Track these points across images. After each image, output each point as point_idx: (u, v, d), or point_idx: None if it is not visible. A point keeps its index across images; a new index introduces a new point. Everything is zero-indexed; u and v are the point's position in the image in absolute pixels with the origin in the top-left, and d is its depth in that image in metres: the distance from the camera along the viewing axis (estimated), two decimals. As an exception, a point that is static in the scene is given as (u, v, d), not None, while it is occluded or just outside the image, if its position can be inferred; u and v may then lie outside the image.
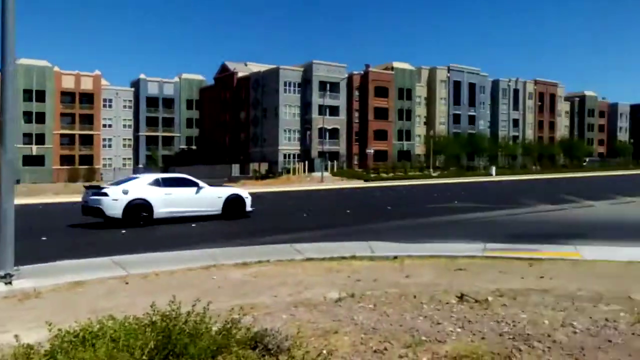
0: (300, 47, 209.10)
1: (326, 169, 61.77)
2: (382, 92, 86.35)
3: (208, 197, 17.30)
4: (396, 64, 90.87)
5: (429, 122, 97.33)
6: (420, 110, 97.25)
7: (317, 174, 59.82)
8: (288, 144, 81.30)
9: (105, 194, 15.65)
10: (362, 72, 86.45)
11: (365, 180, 57.01)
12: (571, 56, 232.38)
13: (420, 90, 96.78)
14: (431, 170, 74.45)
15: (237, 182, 55.45)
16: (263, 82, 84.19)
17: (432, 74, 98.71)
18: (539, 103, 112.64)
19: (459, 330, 5.11)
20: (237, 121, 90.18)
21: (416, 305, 6.14)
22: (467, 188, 38.88)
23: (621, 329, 5.01)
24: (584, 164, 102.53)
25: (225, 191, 18.17)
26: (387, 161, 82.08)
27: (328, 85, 80.00)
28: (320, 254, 10.12)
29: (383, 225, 16.11)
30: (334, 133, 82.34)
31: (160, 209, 16.19)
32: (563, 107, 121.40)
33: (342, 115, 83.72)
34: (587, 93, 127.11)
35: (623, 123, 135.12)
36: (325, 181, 53.60)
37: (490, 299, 6.32)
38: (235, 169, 76.09)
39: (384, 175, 64.89)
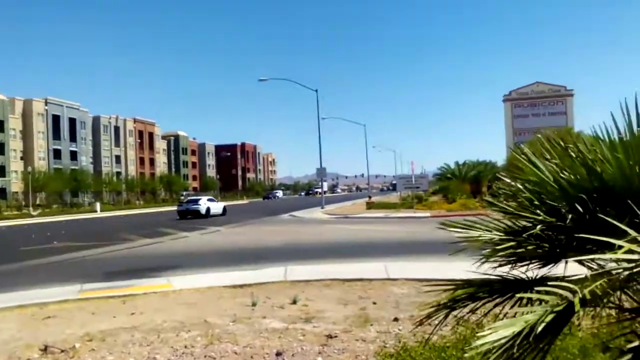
0: None
1: None
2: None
3: (219, 206, 44.43)
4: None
5: (27, 157, 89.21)
6: (16, 144, 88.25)
7: None
8: None
9: (199, 204, 41.19)
10: None
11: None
12: (166, 100, 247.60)
13: (15, 123, 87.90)
14: (31, 208, 67.66)
15: None
16: None
17: (27, 105, 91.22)
18: (139, 140, 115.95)
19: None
20: None
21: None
22: (69, 226, 36.78)
23: (197, 353, 5.53)
24: (181, 197, 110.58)
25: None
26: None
27: None
28: None
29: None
30: None
31: (212, 211, 41.40)
32: (161, 145, 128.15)
33: None
34: (181, 133, 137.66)
35: (210, 161, 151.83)
36: None
37: (78, 345, 6.12)
38: None
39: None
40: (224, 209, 44.16)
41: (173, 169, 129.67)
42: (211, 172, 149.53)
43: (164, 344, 6.00)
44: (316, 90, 48.68)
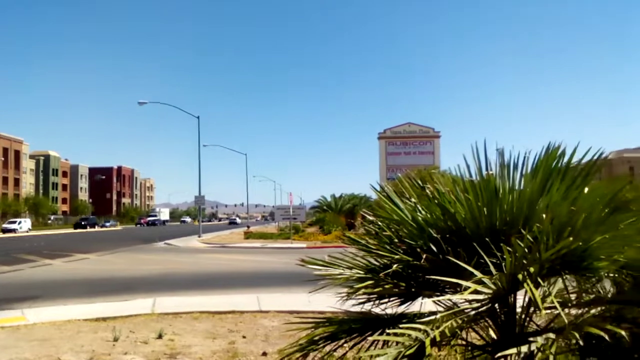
0: None
1: None
2: None
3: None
4: None
5: None
6: None
7: None
8: None
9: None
10: None
11: None
12: (35, 116, 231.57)
13: None
14: None
15: None
16: None
17: None
18: (3, 158, 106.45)
19: None
20: None
21: None
22: None
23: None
24: (49, 221, 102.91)
25: None
26: None
27: None
28: None
29: None
30: None
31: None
32: (29, 164, 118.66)
33: None
34: (52, 153, 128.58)
35: (83, 183, 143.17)
36: None
37: None
38: None
39: None
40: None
41: (41, 191, 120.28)
42: (84, 196, 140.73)
43: (4, 388, 5.38)
44: (198, 117, 47.91)
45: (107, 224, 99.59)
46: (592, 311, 2.75)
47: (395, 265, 2.67)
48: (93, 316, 9.63)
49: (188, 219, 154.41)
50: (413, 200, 2.91)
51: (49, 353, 6.91)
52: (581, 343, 2.28)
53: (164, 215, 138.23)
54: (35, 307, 10.92)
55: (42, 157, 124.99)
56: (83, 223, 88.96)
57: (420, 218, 2.74)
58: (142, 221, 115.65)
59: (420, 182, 2.96)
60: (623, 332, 2.21)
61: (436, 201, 2.73)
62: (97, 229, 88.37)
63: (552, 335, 2.23)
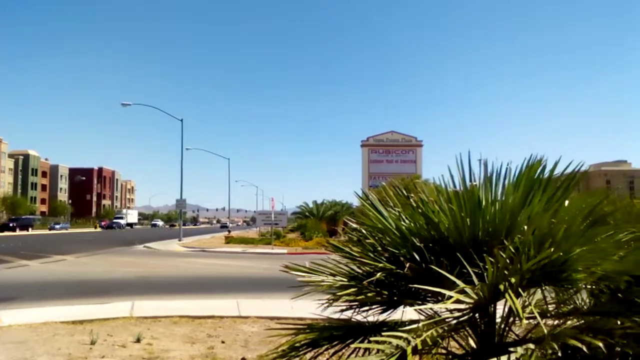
0: None
1: None
2: None
3: None
4: None
5: None
6: None
7: None
8: None
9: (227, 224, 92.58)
10: None
11: None
12: (16, 114, 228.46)
13: None
14: None
15: None
16: None
17: None
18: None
19: None
20: None
21: None
22: None
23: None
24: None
25: None
26: None
27: None
28: None
29: None
30: None
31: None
32: (7, 163, 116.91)
33: None
34: (31, 152, 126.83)
35: (63, 184, 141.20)
36: None
37: None
38: None
39: None
40: None
41: (19, 191, 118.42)
42: (63, 196, 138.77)
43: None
44: (181, 120, 47.61)
45: (57, 226, 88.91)
46: (569, 322, 2.79)
47: (378, 274, 2.69)
48: (70, 319, 9.49)
49: (160, 223, 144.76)
50: (397, 209, 2.94)
51: (24, 356, 6.80)
52: (559, 354, 2.32)
53: (132, 217, 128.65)
54: (10, 309, 10.75)
55: (22, 157, 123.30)
56: (12, 225, 72.17)
57: (404, 227, 2.77)
58: (102, 224, 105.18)
59: (404, 191, 2.99)
60: (600, 344, 2.25)
61: (420, 210, 2.76)
62: (32, 232, 73.14)
63: (531, 346, 2.26)
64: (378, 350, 2.20)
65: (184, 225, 52.65)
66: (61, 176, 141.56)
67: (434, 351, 2.41)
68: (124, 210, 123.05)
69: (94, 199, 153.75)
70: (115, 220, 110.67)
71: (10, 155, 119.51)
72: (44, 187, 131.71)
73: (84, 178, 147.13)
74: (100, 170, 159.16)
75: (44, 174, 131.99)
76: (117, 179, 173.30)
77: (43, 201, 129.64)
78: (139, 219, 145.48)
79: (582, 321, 2.73)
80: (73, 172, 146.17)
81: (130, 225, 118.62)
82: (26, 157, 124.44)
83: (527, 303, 2.62)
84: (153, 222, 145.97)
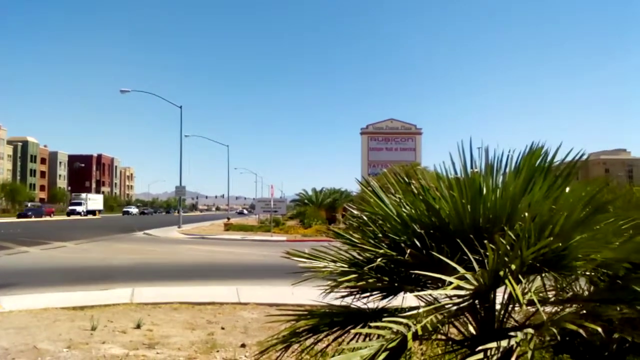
0: None
1: None
2: None
3: None
4: None
5: None
6: None
7: None
8: None
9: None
10: None
11: None
12: (15, 101, 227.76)
13: None
14: None
15: None
16: None
17: None
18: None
19: None
20: None
21: None
22: None
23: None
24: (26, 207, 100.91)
25: None
26: None
27: None
28: None
29: None
30: None
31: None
32: (6, 150, 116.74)
33: None
34: (30, 139, 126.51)
35: (62, 171, 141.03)
36: None
37: None
38: None
39: None
40: None
41: (19, 177, 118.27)
42: (62, 183, 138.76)
43: (-21, 375, 5.32)
44: (180, 107, 47.43)
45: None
46: (568, 309, 2.82)
47: (379, 260, 2.70)
48: (71, 305, 9.54)
49: (134, 210, 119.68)
50: (398, 195, 2.95)
51: (26, 341, 6.84)
52: (558, 339, 2.34)
53: (95, 203, 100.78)
54: (11, 295, 10.81)
55: (20, 143, 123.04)
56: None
57: (404, 213, 2.77)
58: (46, 210, 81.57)
59: (405, 178, 2.99)
60: (599, 329, 2.27)
61: (421, 197, 2.77)
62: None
63: (531, 331, 2.28)
64: (378, 336, 2.22)
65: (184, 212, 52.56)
66: (60, 163, 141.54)
67: (433, 337, 2.43)
68: (83, 195, 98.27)
69: (93, 185, 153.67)
70: (71, 207, 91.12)
71: (9, 142, 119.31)
72: (43, 173, 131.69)
73: (83, 165, 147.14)
74: (99, 157, 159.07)
75: (43, 161, 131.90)
76: (116, 166, 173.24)
77: (42, 188, 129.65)
78: (138, 206, 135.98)
79: (582, 308, 2.75)
80: (72, 159, 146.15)
81: (91, 212, 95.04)
82: (25, 143, 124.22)
83: (526, 290, 2.64)
84: (125, 209, 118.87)
